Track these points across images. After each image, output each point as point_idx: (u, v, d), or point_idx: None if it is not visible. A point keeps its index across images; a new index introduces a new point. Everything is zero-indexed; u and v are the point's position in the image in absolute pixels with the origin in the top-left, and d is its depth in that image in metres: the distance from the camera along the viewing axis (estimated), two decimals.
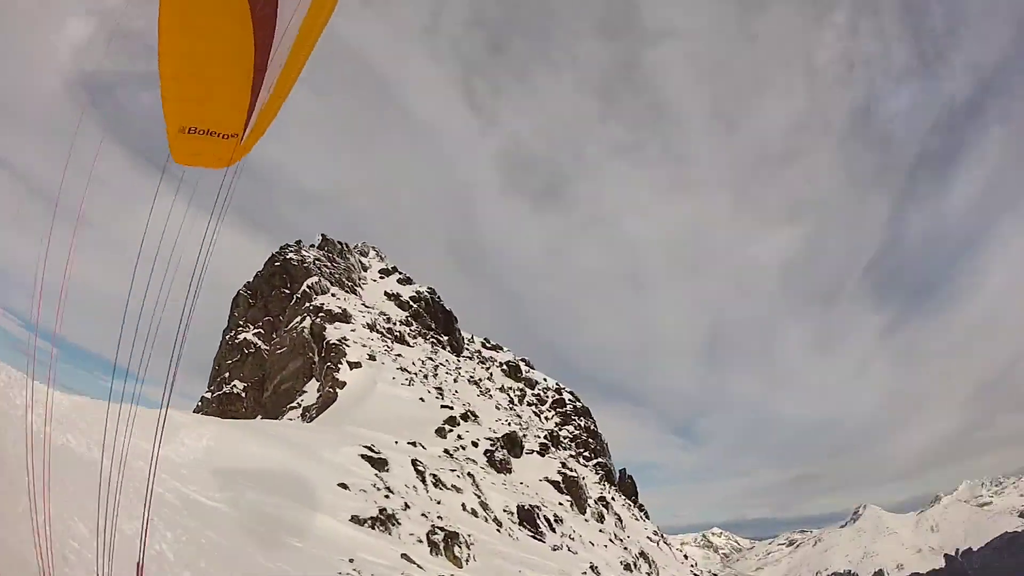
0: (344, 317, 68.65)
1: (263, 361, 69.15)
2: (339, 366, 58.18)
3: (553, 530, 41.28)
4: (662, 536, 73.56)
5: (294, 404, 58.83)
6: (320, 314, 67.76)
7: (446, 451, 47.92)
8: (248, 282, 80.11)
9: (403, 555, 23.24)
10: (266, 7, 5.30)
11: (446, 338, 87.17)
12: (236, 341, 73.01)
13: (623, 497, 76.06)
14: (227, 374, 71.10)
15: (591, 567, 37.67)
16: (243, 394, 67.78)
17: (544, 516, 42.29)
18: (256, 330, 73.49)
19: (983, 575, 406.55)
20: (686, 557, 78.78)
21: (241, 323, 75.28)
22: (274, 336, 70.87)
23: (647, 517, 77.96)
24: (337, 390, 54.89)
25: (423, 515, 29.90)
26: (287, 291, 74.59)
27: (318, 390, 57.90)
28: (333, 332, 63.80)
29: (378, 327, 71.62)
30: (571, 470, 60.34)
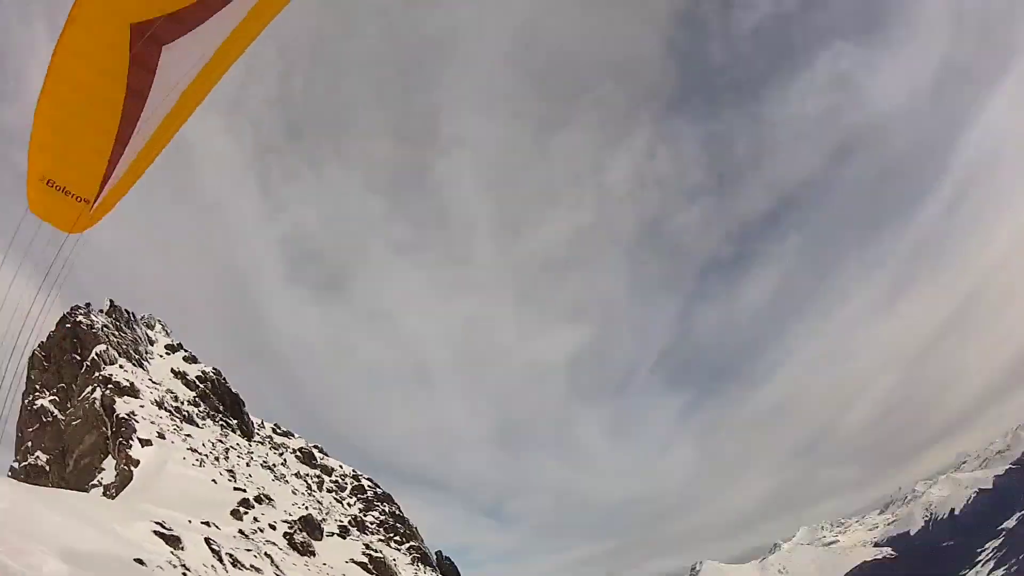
0: (132, 391, 61.81)
1: (61, 432, 61.06)
2: (131, 442, 51.96)
3: None
4: None
5: (95, 482, 51.51)
6: (109, 385, 60.76)
7: (241, 532, 44.11)
8: (42, 342, 70.08)
9: None
10: (142, 79, 4.90)
11: (235, 421, 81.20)
12: (34, 407, 64.18)
13: None
14: (30, 443, 61.96)
15: None
16: (47, 467, 59.15)
17: None
18: (52, 396, 64.94)
19: None
20: None
21: (37, 387, 66.23)
22: (69, 405, 63.00)
23: None
24: (132, 468, 48.86)
25: None
26: (78, 357, 66.68)
27: (115, 468, 50.80)
28: (123, 406, 57.18)
29: (166, 404, 64.95)
30: (377, 551, 58.16)
